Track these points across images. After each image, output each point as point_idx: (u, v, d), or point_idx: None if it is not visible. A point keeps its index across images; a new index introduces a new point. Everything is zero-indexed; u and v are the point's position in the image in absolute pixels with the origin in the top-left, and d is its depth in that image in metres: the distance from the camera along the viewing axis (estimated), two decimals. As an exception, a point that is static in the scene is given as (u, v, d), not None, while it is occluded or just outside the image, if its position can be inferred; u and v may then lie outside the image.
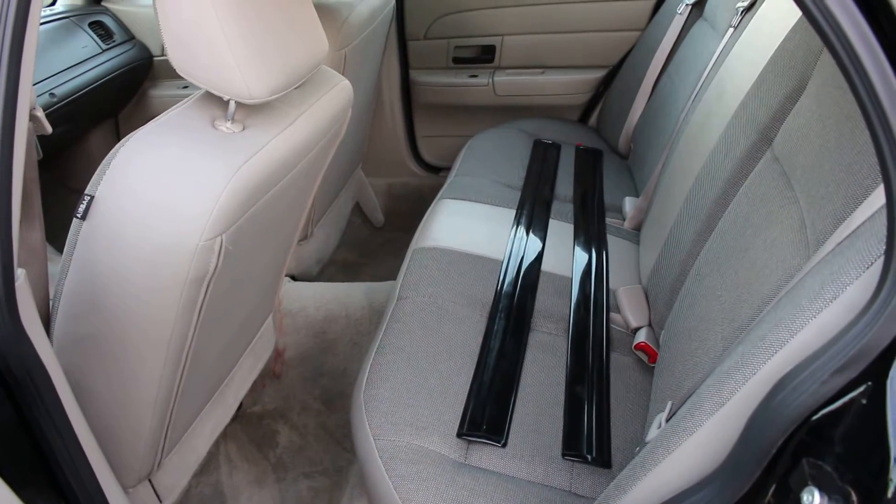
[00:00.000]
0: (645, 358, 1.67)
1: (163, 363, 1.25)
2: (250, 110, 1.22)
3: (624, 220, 2.25)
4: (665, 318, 1.63)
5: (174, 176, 1.10)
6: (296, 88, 1.32)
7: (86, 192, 1.12)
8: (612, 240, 2.11)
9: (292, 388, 2.19)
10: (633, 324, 1.75)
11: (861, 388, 0.76)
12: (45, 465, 1.10)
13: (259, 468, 1.97)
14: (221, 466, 1.96)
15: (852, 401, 0.77)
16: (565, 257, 1.99)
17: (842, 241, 0.92)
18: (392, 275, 1.97)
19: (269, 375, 2.20)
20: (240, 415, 2.09)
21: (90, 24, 2.55)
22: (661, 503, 0.96)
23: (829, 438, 0.78)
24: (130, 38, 2.67)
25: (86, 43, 2.48)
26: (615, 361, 1.66)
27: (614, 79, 2.89)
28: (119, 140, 2.78)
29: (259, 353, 1.99)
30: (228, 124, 1.18)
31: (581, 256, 2.00)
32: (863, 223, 0.90)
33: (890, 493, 0.71)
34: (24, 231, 1.16)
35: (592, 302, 1.82)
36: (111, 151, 1.13)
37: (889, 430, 0.72)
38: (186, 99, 1.26)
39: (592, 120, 3.02)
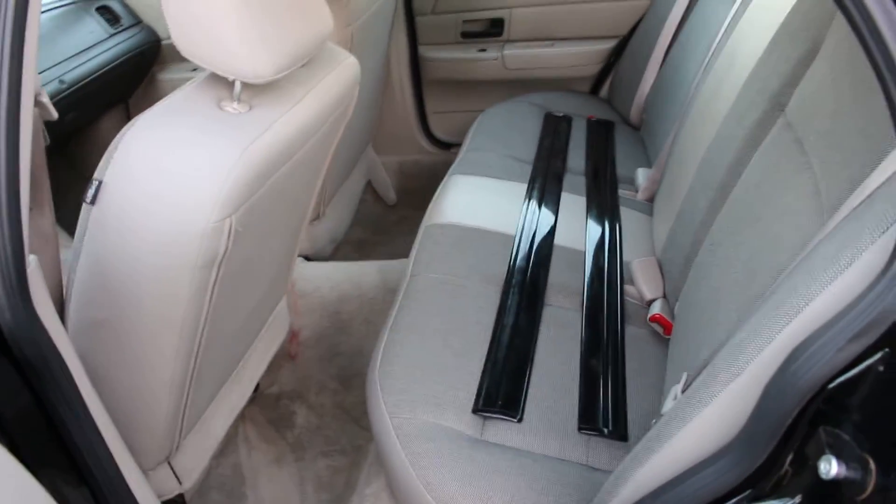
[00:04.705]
0: (660, 330, 1.66)
1: (176, 346, 1.25)
2: (256, 90, 1.21)
3: (637, 191, 2.23)
4: (679, 289, 1.62)
5: (181, 158, 1.10)
6: (302, 66, 1.31)
7: (94, 176, 1.13)
8: (625, 212, 2.09)
9: (308, 368, 2.20)
10: (648, 296, 1.74)
11: (878, 355, 0.75)
12: (64, 448, 1.11)
13: (277, 448, 1.98)
14: (240, 447, 1.98)
15: (869, 368, 0.76)
16: (578, 230, 1.97)
17: (857, 207, 0.91)
18: (406, 252, 1.97)
19: (285, 356, 2.20)
20: (257, 396, 2.10)
21: (97, 9, 2.53)
22: (678, 474, 0.95)
23: (845, 407, 0.77)
24: (137, 21, 2.66)
25: (93, 28, 2.47)
26: (630, 334, 1.65)
27: (625, 49, 2.86)
28: (130, 125, 2.73)
29: (274, 334, 1.99)
30: (235, 105, 1.18)
31: (594, 229, 1.98)
32: (878, 187, 0.88)
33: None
34: (34, 218, 1.16)
35: (606, 274, 1.81)
36: (118, 136, 1.12)
37: (906, 396, 0.71)
38: (191, 81, 1.26)
39: (604, 91, 2.99)
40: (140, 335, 1.24)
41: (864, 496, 0.71)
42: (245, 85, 1.18)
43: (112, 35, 2.51)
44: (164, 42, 2.70)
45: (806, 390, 0.79)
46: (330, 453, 1.97)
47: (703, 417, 0.93)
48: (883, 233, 0.79)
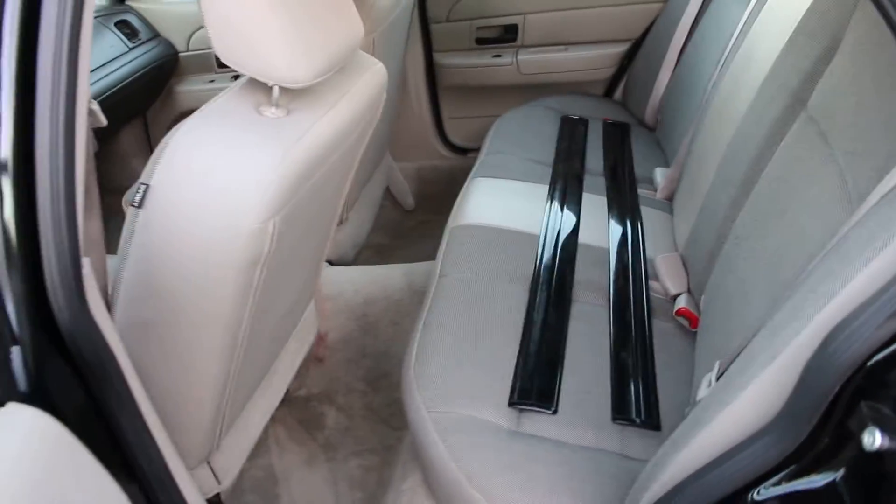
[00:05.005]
0: (686, 323, 1.69)
1: (220, 346, 1.29)
2: (293, 95, 1.25)
3: (655, 190, 2.26)
4: (704, 282, 1.65)
5: (226, 161, 1.13)
6: (335, 72, 1.34)
7: (141, 180, 1.16)
8: (645, 210, 2.13)
9: (336, 370, 2.23)
10: (673, 290, 1.78)
11: (918, 331, 0.78)
12: (116, 446, 1.14)
13: (308, 449, 2.01)
14: (272, 449, 2.01)
15: (908, 344, 0.79)
16: (601, 229, 2.01)
17: (887, 193, 0.94)
18: (425, 256, 2.00)
19: (313, 359, 2.23)
20: (286, 399, 2.12)
21: (116, 24, 2.58)
22: (719, 455, 0.98)
23: (886, 382, 0.80)
24: (155, 35, 2.70)
25: (113, 42, 2.52)
26: (657, 328, 1.69)
27: (638, 52, 2.89)
28: (149, 137, 2.81)
29: (303, 337, 2.03)
30: (273, 109, 1.21)
31: (616, 227, 2.02)
32: None
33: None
34: (84, 221, 1.20)
35: (630, 271, 1.84)
36: (163, 140, 1.16)
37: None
38: (227, 89, 1.29)
39: (618, 94, 3.03)
40: (186, 335, 1.27)
41: (907, 466, 0.75)
42: (282, 90, 1.21)
43: (131, 49, 2.55)
44: (181, 55, 2.74)
45: (846, 368, 0.82)
46: (361, 453, 2.00)
47: (742, 400, 0.96)
48: None
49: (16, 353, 0.96)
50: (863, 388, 0.82)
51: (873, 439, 0.76)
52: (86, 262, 1.03)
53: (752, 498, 0.93)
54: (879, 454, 0.77)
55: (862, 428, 0.78)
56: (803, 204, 1.27)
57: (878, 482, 0.80)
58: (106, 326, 1.07)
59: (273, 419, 2.04)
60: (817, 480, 0.86)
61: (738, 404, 0.97)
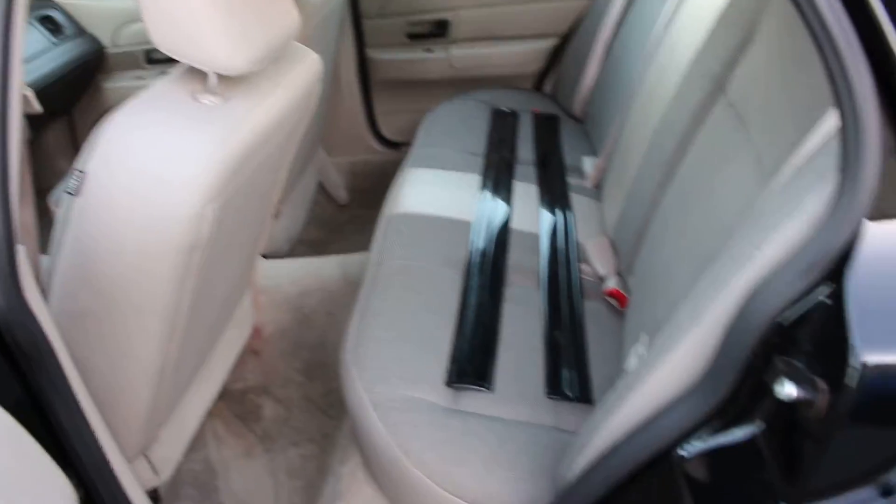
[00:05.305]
0: (615, 303, 1.75)
1: (158, 333, 1.28)
2: (229, 83, 1.25)
3: (584, 178, 2.32)
4: (633, 264, 1.71)
5: (163, 147, 1.14)
6: (270, 63, 1.35)
7: (77, 168, 1.16)
8: (574, 197, 2.19)
9: (273, 362, 2.23)
10: (602, 272, 1.84)
11: (824, 289, 0.84)
12: (52, 434, 1.13)
13: (246, 441, 2.01)
14: (209, 443, 2.00)
15: (818, 304, 0.85)
16: (532, 216, 2.06)
17: (799, 166, 1.01)
18: (359, 250, 2.02)
19: (250, 352, 2.23)
20: (223, 393, 2.11)
21: (39, 19, 2.52)
22: (650, 416, 1.04)
23: (797, 339, 0.86)
24: (81, 31, 2.64)
25: (36, 38, 2.45)
26: (588, 308, 1.75)
27: (566, 46, 2.96)
28: (75, 136, 2.73)
29: (239, 330, 2.03)
30: (210, 97, 1.22)
31: (547, 214, 2.07)
32: (816, 149, 0.99)
33: (849, 379, 0.79)
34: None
35: (561, 255, 1.90)
36: (98, 126, 1.16)
37: (847, 321, 0.80)
38: (163, 77, 1.29)
39: (547, 87, 3.09)
40: (123, 323, 1.27)
41: (816, 414, 0.80)
42: (219, 78, 1.22)
43: (56, 45, 2.49)
44: (108, 51, 2.69)
45: (762, 325, 0.88)
46: (299, 442, 2.00)
47: (668, 364, 1.02)
48: (821, 184, 0.89)
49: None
50: (776, 344, 0.88)
51: (783, 388, 0.82)
52: (20, 250, 1.02)
53: (678, 454, 0.98)
54: (791, 405, 0.83)
55: (776, 380, 0.84)
56: (723, 182, 1.34)
57: (790, 432, 0.86)
58: (42, 315, 1.06)
59: (210, 413, 2.03)
60: (737, 434, 0.91)
61: (664, 368, 1.02)
